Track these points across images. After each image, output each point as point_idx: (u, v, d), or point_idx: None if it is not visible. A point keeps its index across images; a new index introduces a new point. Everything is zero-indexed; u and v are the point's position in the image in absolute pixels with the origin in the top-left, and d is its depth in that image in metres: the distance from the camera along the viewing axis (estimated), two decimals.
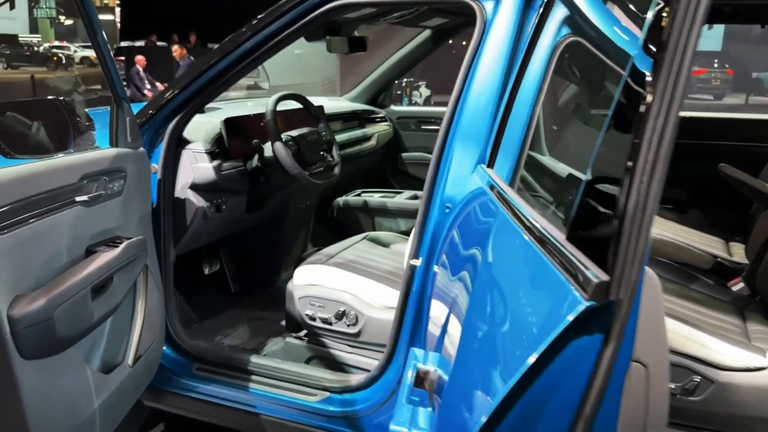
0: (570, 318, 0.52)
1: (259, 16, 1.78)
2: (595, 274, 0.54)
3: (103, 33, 1.53)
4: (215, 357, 2.00)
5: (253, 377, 1.93)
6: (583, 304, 0.53)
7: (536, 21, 1.49)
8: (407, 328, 1.64)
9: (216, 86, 1.82)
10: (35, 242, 1.25)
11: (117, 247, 1.50)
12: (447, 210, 1.54)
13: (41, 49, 17.68)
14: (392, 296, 1.91)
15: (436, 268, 1.53)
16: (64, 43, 18.69)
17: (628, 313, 0.51)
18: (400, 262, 2.15)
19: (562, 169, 1.41)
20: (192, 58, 9.98)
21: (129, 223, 1.64)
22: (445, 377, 0.84)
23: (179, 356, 2.01)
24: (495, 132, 1.44)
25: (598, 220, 0.61)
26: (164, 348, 1.94)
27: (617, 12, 1.31)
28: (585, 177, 0.68)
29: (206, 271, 2.54)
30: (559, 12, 1.40)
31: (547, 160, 1.46)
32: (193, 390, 1.98)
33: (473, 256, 1.11)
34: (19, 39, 15.66)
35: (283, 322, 2.27)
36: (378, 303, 1.92)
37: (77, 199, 1.41)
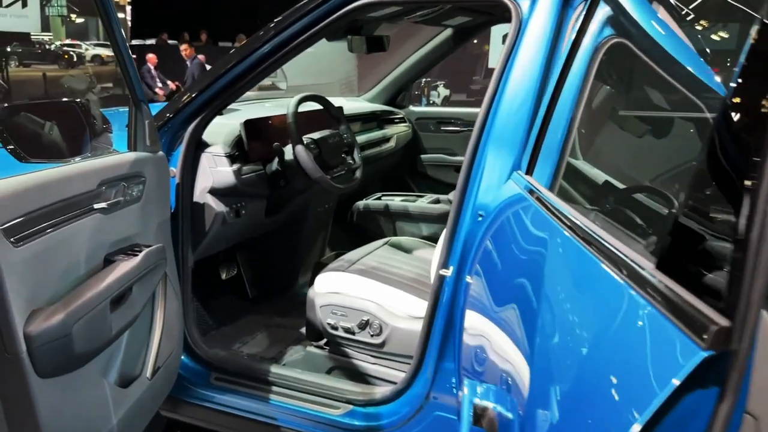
0: (683, 374, 0.44)
1: (280, 17, 1.72)
2: (709, 316, 0.47)
3: (122, 31, 1.47)
4: (234, 366, 1.94)
5: (273, 388, 1.87)
6: (701, 355, 0.45)
7: (576, 20, 1.42)
8: (436, 340, 1.57)
9: (237, 88, 1.76)
10: (52, 253, 1.19)
11: (136, 255, 1.44)
12: (480, 218, 1.47)
13: (53, 47, 17.73)
14: (417, 305, 1.84)
15: (468, 279, 1.46)
16: (76, 42, 18.74)
17: (746, 360, 0.44)
18: (423, 269, 2.08)
19: (600, 175, 1.34)
20: (200, 57, 9.87)
21: (148, 230, 1.58)
22: (508, 416, 0.77)
23: (197, 365, 1.95)
24: (534, 137, 1.36)
25: (704, 248, 0.53)
26: (182, 357, 1.88)
27: (663, 13, 1.24)
28: (680, 197, 0.60)
29: (223, 276, 2.48)
30: (601, 12, 1.33)
31: (581, 164, 1.39)
32: (211, 400, 1.92)
33: (522, 273, 1.04)
34: (31, 37, 15.70)
35: (303, 330, 2.21)
36: (402, 312, 1.85)
37: (95, 206, 1.35)
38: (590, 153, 1.44)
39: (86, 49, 17.69)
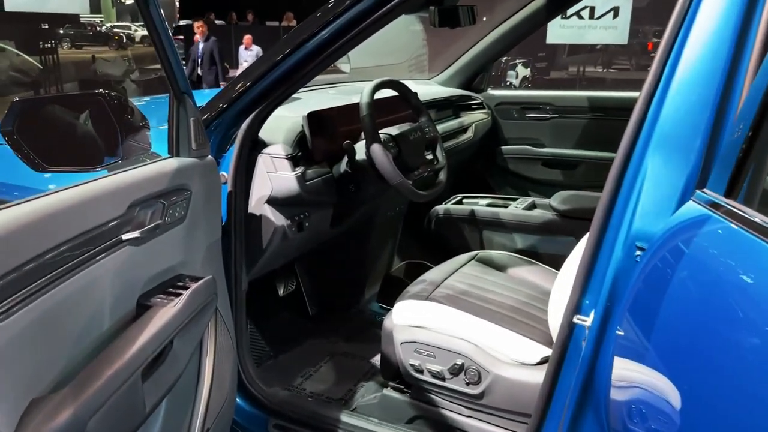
0: None
1: None
2: None
3: (161, 12, 1.12)
4: (297, 411, 1.60)
5: None
6: None
7: None
8: (563, 401, 1.19)
9: (304, 73, 1.39)
10: (60, 313, 0.85)
11: (179, 295, 1.10)
12: (639, 252, 1.07)
13: (103, 28, 17.79)
14: (526, 348, 1.47)
15: (620, 331, 1.07)
16: (125, 23, 18.79)
17: None
18: (525, 295, 1.69)
19: None
20: (215, 39, 9.23)
21: (195, 256, 1.25)
22: None
23: (253, 408, 1.63)
24: (738, 142, 0.94)
25: None
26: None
27: None
28: None
29: (281, 292, 2.15)
30: None
31: None
32: None
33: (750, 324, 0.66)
34: (81, 19, 15.78)
35: (373, 360, 1.86)
36: (506, 357, 1.47)
37: (124, 237, 1.01)
38: None
39: (135, 30, 17.72)
